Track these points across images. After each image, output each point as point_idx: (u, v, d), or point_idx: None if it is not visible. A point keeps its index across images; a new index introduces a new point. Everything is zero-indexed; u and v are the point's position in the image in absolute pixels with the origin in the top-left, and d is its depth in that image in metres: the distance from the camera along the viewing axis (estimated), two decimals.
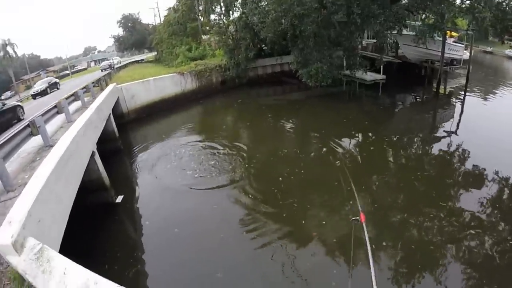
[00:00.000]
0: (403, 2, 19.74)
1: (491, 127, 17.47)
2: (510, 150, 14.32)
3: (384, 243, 7.93)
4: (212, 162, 11.84)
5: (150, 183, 10.97)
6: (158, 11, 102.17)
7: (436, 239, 8.40)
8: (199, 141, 14.15)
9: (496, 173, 11.89)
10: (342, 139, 14.24)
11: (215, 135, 14.81)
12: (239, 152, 12.57)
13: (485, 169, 12.24)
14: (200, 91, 22.20)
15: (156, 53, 46.54)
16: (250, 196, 9.63)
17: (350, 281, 4.19)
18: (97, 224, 8.35)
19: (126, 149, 14.30)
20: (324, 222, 8.41)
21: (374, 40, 22.28)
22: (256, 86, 21.56)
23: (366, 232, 4.52)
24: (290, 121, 16.63)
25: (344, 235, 7.55)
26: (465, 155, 13.97)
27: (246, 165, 11.55)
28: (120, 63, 47.01)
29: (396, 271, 7.16)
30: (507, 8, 19.00)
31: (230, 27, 24.61)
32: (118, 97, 17.39)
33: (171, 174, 11.24)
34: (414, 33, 20.94)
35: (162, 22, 42.46)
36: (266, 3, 20.56)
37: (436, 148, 14.94)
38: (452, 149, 14.79)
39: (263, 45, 22.59)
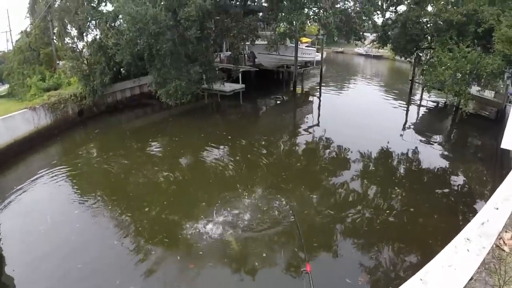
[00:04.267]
0: (259, 15, 20.43)
1: (344, 114, 20.07)
2: (361, 131, 17.54)
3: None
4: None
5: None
6: (11, 35, 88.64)
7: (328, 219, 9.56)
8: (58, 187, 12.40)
9: (358, 151, 14.69)
10: (212, 152, 14.59)
11: (76, 176, 13.29)
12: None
13: (349, 149, 14.97)
14: (57, 125, 19.66)
15: (8, 86, 40.33)
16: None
17: None
18: None
19: None
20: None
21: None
22: (116, 113, 20.07)
23: None
24: (156, 143, 15.99)
25: None
26: (329, 142, 16.47)
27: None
28: None
29: None
30: (352, 13, 21.17)
31: (84, 50, 22.48)
32: None
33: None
34: (266, 42, 21.91)
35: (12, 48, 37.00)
36: (119, 23, 19.14)
37: (303, 141, 16.57)
38: (316, 139, 16.50)
39: (120, 68, 21.03)
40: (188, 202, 10.43)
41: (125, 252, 8.29)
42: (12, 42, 36.59)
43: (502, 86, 19.26)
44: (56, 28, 28.66)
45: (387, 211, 10.12)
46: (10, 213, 10.75)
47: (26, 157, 16.57)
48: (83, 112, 21.04)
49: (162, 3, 16.76)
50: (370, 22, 21.66)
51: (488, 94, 20.94)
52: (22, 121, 18.22)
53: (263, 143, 16.15)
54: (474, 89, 19.08)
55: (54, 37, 29.71)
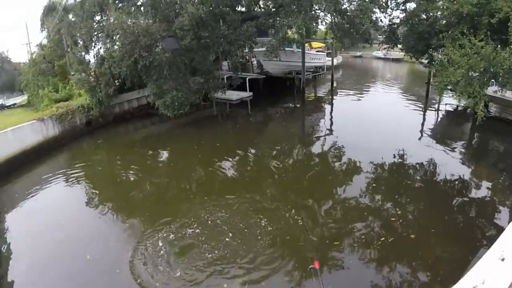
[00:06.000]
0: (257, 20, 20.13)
1: (358, 121, 19.63)
2: (375, 138, 16.95)
3: None
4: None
5: None
6: (30, 47, 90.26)
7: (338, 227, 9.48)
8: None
9: (371, 161, 13.92)
10: (223, 164, 14.43)
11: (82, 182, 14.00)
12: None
13: (361, 158, 14.24)
14: (64, 136, 20.23)
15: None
16: None
17: None
18: None
19: None
20: None
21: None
22: (123, 122, 20.39)
23: None
24: (161, 154, 16.43)
25: None
26: (341, 151, 15.84)
27: None
28: None
29: None
30: (351, 11, 20.48)
31: (91, 63, 23.04)
32: None
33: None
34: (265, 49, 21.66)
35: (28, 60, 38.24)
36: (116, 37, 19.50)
37: (313, 151, 16.52)
38: (327, 148, 16.49)
39: (125, 79, 21.35)
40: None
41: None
42: (32, 54, 37.90)
43: None
44: (69, 41, 29.45)
45: (391, 231, 9.41)
46: (18, 216, 11.57)
47: (35, 166, 17.21)
48: (91, 122, 21.54)
49: (157, 15, 16.92)
50: (369, 21, 20.60)
51: (511, 95, 19.20)
52: (31, 132, 18.76)
53: (271, 153, 15.84)
54: (491, 90, 17.05)
55: (68, 49, 30.56)
